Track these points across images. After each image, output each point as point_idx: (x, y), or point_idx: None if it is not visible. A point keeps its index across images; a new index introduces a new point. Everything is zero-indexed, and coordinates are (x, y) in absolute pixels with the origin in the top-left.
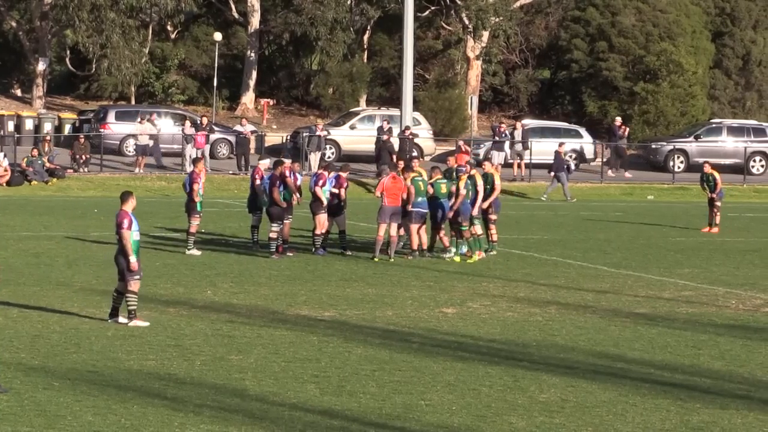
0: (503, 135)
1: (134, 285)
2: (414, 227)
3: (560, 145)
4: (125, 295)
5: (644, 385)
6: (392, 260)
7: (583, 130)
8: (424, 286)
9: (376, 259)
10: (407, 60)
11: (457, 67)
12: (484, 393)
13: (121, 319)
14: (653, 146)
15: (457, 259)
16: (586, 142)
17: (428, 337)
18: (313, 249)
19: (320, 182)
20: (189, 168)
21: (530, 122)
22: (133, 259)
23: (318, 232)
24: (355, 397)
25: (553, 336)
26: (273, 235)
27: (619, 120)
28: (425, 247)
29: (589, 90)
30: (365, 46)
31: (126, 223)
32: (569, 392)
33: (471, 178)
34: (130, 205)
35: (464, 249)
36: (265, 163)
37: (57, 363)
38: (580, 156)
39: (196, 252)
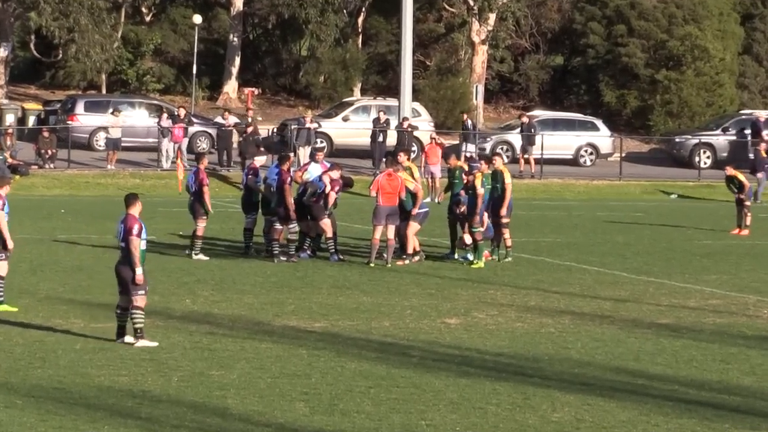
0: (464, 126)
1: (140, 300)
2: (416, 229)
3: (760, 144)
4: (130, 311)
5: (667, 404)
6: (389, 266)
7: (599, 122)
8: (424, 294)
9: (371, 265)
10: (406, 45)
11: (460, 53)
12: (491, 412)
13: (128, 339)
14: (677, 140)
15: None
16: (602, 136)
17: (429, 351)
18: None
19: (336, 188)
20: (166, 164)
21: (541, 113)
22: (139, 271)
23: (329, 235)
24: (349, 416)
25: (567, 349)
26: (293, 236)
27: (763, 114)
28: (418, 249)
29: (606, 78)
30: (360, 30)
31: (137, 228)
32: (585, 411)
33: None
34: (137, 209)
35: (470, 255)
36: (261, 160)
37: (20, 379)
38: (596, 151)
39: (203, 257)
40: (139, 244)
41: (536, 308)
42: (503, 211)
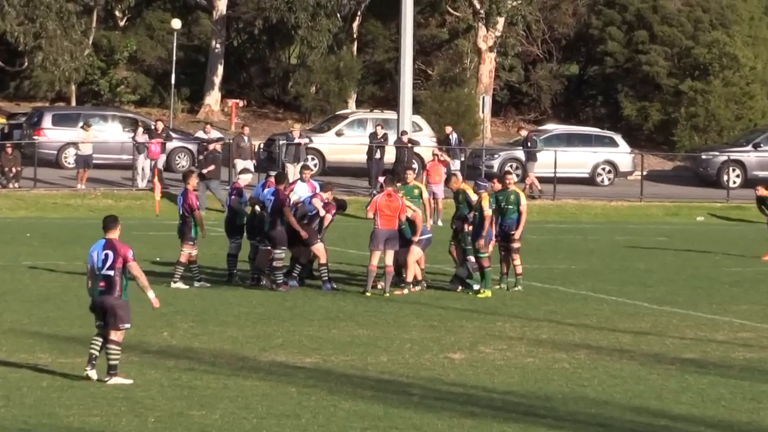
0: (448, 140)
1: (120, 335)
2: (418, 256)
3: None
4: (106, 345)
5: None
6: (387, 295)
7: (618, 138)
8: (426, 327)
9: (368, 294)
10: (406, 52)
11: (466, 61)
12: None
13: (101, 376)
14: (703, 157)
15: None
16: (622, 152)
17: (431, 389)
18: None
19: (333, 211)
20: (142, 183)
21: (555, 127)
22: (152, 294)
23: (323, 261)
24: None
25: (582, 387)
26: (278, 264)
27: None
28: (420, 278)
29: (625, 89)
30: (355, 36)
31: (132, 253)
32: None
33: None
34: (117, 233)
35: (475, 285)
36: (246, 178)
37: None
38: (614, 169)
39: (182, 285)
40: (139, 268)
41: (549, 342)
42: (517, 235)
